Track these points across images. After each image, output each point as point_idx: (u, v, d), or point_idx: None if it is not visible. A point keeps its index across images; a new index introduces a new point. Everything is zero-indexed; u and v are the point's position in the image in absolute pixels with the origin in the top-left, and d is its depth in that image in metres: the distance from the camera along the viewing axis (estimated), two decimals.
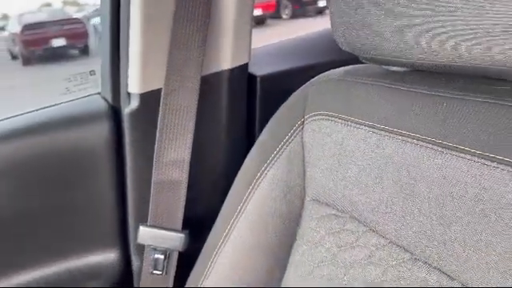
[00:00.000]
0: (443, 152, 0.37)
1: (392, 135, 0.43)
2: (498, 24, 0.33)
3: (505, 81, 0.39)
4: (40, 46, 9.63)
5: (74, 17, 10.84)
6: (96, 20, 12.49)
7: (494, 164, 0.34)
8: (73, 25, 9.87)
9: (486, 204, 0.34)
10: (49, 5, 11.66)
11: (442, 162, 0.37)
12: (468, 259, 0.35)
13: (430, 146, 0.39)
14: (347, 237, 0.49)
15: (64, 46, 9.87)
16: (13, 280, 0.61)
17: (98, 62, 0.78)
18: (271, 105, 0.59)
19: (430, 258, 0.39)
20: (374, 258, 0.45)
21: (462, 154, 0.36)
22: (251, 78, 0.70)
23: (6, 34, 11.89)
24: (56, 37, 9.54)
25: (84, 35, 10.19)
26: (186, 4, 0.56)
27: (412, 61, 0.43)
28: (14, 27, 10.19)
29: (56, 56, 10.01)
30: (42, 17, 10.47)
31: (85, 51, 10.38)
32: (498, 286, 0.31)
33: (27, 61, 9.95)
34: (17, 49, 10.38)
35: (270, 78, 0.70)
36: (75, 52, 10.30)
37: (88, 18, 13.77)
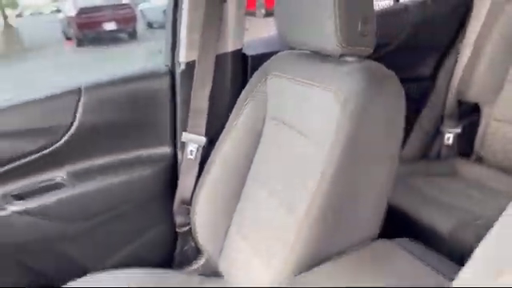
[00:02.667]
0: (307, 85, 0.87)
1: (293, 81, 0.92)
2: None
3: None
4: (93, 29, 10.24)
5: (124, 2, 11.44)
6: (143, 6, 13.05)
7: (316, 87, 0.83)
8: (123, 10, 10.36)
9: (313, 100, 0.83)
10: None
11: (305, 90, 0.87)
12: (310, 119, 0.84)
13: (306, 84, 0.88)
14: (281, 131, 0.99)
15: (114, 30, 10.48)
16: (99, 160, 1.12)
17: (145, 46, 1.22)
18: None
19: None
20: (284, 140, 0.95)
21: (310, 85, 0.85)
22: (244, 57, 1.19)
23: (61, 16, 12.65)
24: (108, 21, 10.13)
25: (133, 20, 10.66)
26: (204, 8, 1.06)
27: (306, 47, 0.92)
28: (70, 10, 10.86)
29: (107, 39, 10.70)
30: (96, 1, 11.05)
31: (133, 35, 10.88)
32: None
33: (80, 42, 10.64)
34: (71, 31, 11.10)
35: (256, 58, 1.18)
36: (124, 36, 11.00)
37: (136, 4, 14.23)
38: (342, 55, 0.81)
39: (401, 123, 0.76)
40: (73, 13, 10.33)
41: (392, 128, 0.75)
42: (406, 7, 1.40)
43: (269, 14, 12.02)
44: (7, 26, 11.55)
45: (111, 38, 10.66)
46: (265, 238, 0.90)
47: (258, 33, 1.25)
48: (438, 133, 1.49)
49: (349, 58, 0.82)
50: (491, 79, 1.37)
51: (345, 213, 0.73)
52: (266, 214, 0.93)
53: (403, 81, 0.78)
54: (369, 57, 0.83)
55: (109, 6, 10.47)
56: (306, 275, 0.70)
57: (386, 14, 1.43)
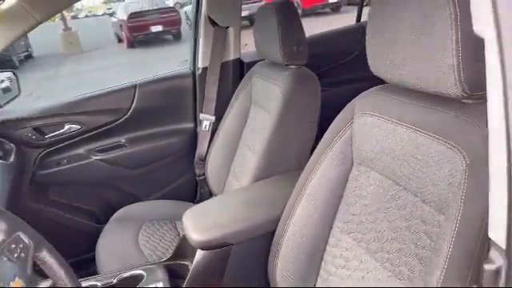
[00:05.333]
0: (269, 82, 1.41)
1: (263, 79, 1.47)
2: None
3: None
4: (141, 32, 11.18)
5: (170, 5, 12.26)
6: (188, 8, 13.86)
7: (272, 83, 1.39)
8: (168, 13, 11.20)
9: (271, 91, 1.39)
10: None
11: (268, 85, 1.41)
12: None
13: (268, 81, 1.43)
14: (257, 111, 1.54)
15: (161, 32, 11.34)
16: (146, 131, 1.72)
17: (187, 47, 1.88)
18: None
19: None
20: (258, 116, 1.50)
21: (270, 82, 1.41)
22: (242, 63, 1.78)
23: (114, 19, 13.74)
24: (155, 24, 11.01)
25: (177, 22, 11.39)
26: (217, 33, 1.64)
27: (268, 58, 1.46)
28: (122, 15, 11.86)
29: (154, 40, 11.60)
30: (144, 5, 11.91)
31: (177, 36, 11.69)
32: None
33: (131, 44, 11.53)
34: (122, 33, 12.12)
35: (250, 64, 1.75)
36: (169, 37, 11.89)
37: (181, 5, 14.86)
38: (286, 64, 1.36)
39: (317, 104, 1.30)
40: (124, 17, 11.28)
41: (310, 107, 1.29)
42: (364, 24, 1.92)
43: (305, 13, 12.56)
44: (66, 28, 12.62)
45: (158, 40, 11.57)
46: (244, 173, 1.47)
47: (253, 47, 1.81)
48: None
49: (292, 66, 1.37)
50: None
51: (280, 152, 1.29)
52: (246, 160, 1.50)
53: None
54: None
55: (156, 10, 11.30)
56: (252, 184, 1.28)
57: (349, 30, 1.95)
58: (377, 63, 0.82)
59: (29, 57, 11.95)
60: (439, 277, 0.61)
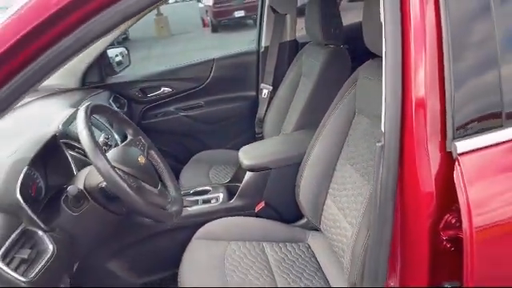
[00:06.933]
0: (313, 58, 1.81)
1: (310, 56, 1.86)
2: None
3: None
4: (225, 17, 11.88)
5: None
6: None
7: (314, 59, 1.78)
8: None
9: (312, 64, 1.78)
10: None
11: (313, 61, 1.81)
12: None
13: (312, 57, 1.83)
14: (305, 81, 1.95)
15: (243, 17, 11.94)
16: (219, 96, 2.24)
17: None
18: None
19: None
20: (305, 84, 1.90)
21: (314, 58, 1.81)
22: (297, 43, 2.19)
23: (201, 5, 14.56)
24: (238, 9, 11.63)
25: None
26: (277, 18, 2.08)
27: (314, 40, 1.86)
28: (207, 0, 12.59)
29: (236, 25, 12.26)
30: None
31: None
32: None
33: (215, 28, 12.31)
34: (208, 18, 12.90)
35: (304, 44, 2.14)
36: (250, 22, 12.46)
37: None
38: (325, 44, 1.75)
39: (346, 77, 1.67)
40: (210, 2, 11.97)
41: (340, 79, 1.66)
42: None
43: None
44: (159, 14, 13.71)
45: (240, 24, 12.17)
46: (291, 124, 1.87)
47: None
48: None
49: (330, 45, 1.75)
50: None
51: (313, 113, 1.69)
52: (291, 116, 1.91)
53: None
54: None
55: None
56: (291, 132, 1.72)
57: None
58: (369, 41, 1.19)
59: (126, 39, 13.24)
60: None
